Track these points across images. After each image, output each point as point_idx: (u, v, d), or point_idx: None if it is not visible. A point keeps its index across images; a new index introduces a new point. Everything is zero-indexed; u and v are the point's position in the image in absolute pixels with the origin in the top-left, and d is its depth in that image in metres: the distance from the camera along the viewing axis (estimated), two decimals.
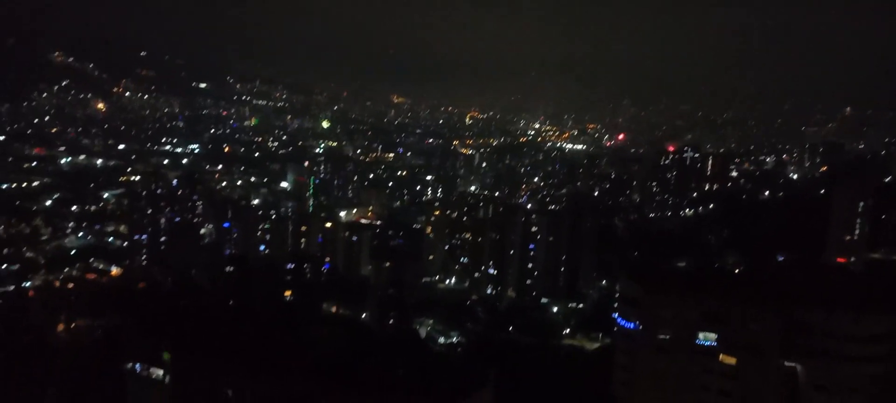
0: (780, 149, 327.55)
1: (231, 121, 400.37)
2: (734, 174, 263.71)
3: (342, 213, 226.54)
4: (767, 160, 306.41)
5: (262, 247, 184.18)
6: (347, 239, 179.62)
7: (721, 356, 66.06)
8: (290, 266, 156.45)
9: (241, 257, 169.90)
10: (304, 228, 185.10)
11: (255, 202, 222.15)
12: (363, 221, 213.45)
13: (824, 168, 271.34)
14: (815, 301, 64.49)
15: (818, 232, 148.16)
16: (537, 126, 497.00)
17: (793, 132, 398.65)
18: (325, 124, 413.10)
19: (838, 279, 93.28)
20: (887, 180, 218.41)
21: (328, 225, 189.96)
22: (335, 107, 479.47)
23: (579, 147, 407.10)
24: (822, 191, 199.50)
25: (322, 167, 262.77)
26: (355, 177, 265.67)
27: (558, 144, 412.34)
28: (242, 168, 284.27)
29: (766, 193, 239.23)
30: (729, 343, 65.60)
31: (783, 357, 63.94)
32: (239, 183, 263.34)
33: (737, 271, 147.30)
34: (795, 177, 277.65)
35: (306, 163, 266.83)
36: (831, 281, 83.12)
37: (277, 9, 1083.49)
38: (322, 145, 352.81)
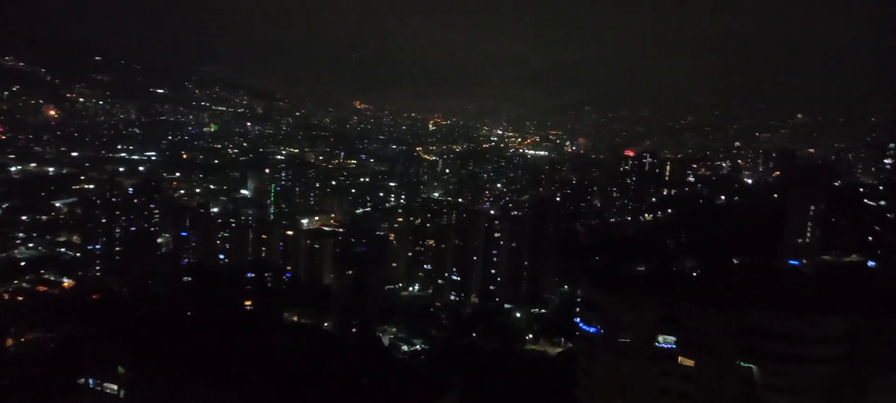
0: (735, 154, 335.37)
1: (190, 127, 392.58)
2: (691, 179, 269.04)
3: (304, 221, 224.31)
4: (723, 165, 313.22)
5: (221, 256, 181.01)
6: (309, 246, 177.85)
7: (680, 358, 66.92)
8: (251, 275, 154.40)
9: (199, 266, 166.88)
10: (264, 236, 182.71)
11: (215, 210, 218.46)
12: (325, 229, 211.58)
13: (777, 173, 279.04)
14: (770, 303, 65.91)
15: (772, 235, 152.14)
16: (500, 132, 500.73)
17: (747, 138, 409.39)
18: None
19: (792, 281, 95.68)
20: (837, 184, 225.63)
21: (289, 232, 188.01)
22: (297, 113, 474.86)
23: (542, 153, 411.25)
24: (776, 196, 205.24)
25: (283, 174, 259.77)
26: (317, 184, 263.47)
27: (521, 150, 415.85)
28: (201, 175, 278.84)
29: (723, 198, 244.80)
30: (687, 346, 66.55)
31: (740, 358, 65.17)
32: (198, 190, 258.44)
33: (694, 274, 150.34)
34: (750, 181, 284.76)
35: (267, 170, 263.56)
36: (785, 284, 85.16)
37: (238, 13, 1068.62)
38: (283, 151, 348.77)
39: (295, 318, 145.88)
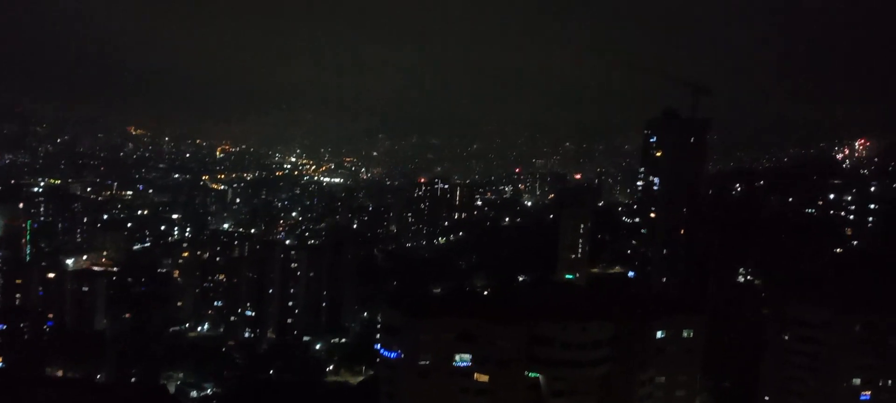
0: (516, 179, 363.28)
1: None
2: (479, 203, 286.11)
3: (69, 261, 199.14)
4: (506, 189, 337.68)
5: None
6: (76, 289, 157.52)
7: (476, 374, 70.19)
8: (1, 326, 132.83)
9: None
10: (18, 281, 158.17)
11: None
12: (96, 268, 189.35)
13: (552, 195, 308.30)
14: (550, 315, 71.90)
15: (551, 252, 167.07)
16: (294, 159, 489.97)
17: (526, 164, 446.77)
18: None
19: (568, 293, 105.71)
20: (600, 205, 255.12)
21: (51, 275, 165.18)
22: (59, 139, 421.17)
23: (337, 180, 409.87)
24: (552, 216, 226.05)
25: (42, 208, 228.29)
26: (85, 219, 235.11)
27: (316, 177, 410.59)
28: None
29: (507, 220, 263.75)
30: (482, 361, 70.02)
31: (528, 368, 70.12)
32: None
33: (486, 292, 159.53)
34: (530, 204, 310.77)
35: (21, 204, 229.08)
36: (562, 296, 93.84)
37: None
38: (42, 182, 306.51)
39: (59, 373, 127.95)
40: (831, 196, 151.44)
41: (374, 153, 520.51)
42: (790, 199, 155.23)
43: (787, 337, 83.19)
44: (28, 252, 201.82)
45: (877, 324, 79.87)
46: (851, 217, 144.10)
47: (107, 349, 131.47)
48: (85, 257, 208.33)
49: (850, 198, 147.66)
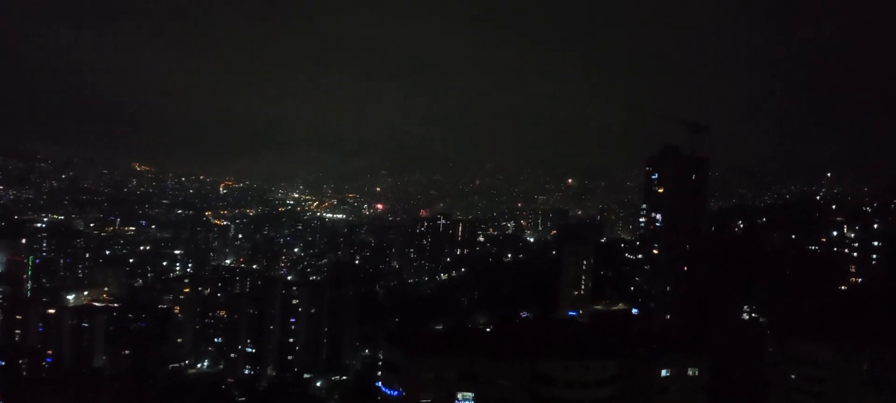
0: (518, 215, 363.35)
1: None
2: (481, 239, 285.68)
3: (70, 297, 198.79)
4: (509, 225, 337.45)
5: None
6: (76, 326, 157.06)
7: None
8: (0, 363, 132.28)
9: None
10: (19, 317, 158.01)
11: None
12: (97, 304, 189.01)
13: (554, 231, 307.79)
14: (552, 352, 71.28)
15: (553, 288, 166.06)
16: (296, 195, 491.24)
17: (528, 200, 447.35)
18: None
19: (571, 331, 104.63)
20: (603, 241, 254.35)
21: (51, 311, 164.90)
22: (63, 175, 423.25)
23: (340, 216, 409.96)
24: (554, 252, 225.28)
25: (45, 244, 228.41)
26: (87, 255, 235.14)
27: (318, 213, 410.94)
28: None
29: (509, 255, 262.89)
30: (484, 400, 69.28)
31: None
32: None
33: (488, 329, 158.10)
34: (532, 239, 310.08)
35: (24, 240, 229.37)
36: (565, 333, 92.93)
37: None
38: (45, 218, 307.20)
39: None
40: (834, 232, 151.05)
41: (377, 189, 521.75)
42: (792, 236, 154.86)
43: (792, 376, 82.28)
44: (29, 288, 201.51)
45: (883, 362, 79.07)
46: (855, 254, 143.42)
47: (105, 386, 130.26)
48: (86, 293, 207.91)
49: (852, 235, 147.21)
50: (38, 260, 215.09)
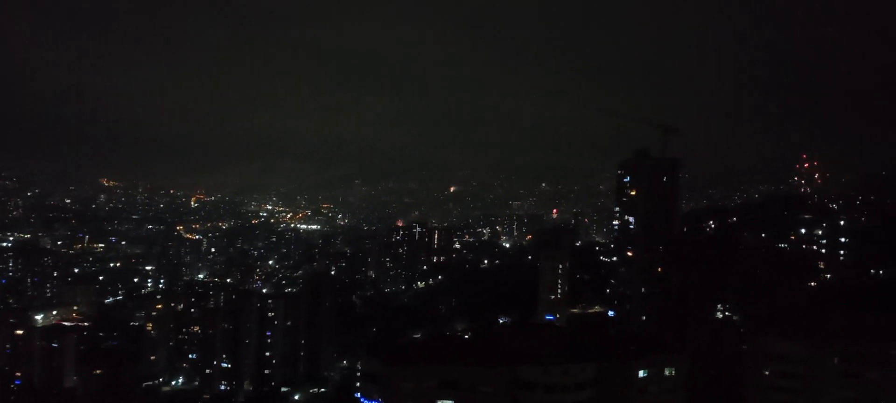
0: (493, 221, 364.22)
1: None
2: (457, 246, 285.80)
3: (38, 317, 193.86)
4: (484, 231, 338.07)
5: None
6: (46, 346, 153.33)
7: None
8: None
9: None
10: None
11: None
12: (66, 323, 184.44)
13: (529, 236, 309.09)
14: (531, 357, 71.36)
15: (530, 293, 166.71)
16: (270, 207, 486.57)
17: (502, 206, 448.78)
18: None
19: (549, 335, 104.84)
20: (578, 244, 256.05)
21: (19, 332, 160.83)
22: (29, 193, 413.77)
23: (314, 227, 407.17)
24: (530, 257, 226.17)
25: (11, 263, 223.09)
26: (55, 273, 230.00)
27: (293, 225, 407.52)
28: None
29: (486, 262, 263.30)
30: None
31: None
32: None
33: (466, 336, 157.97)
34: (508, 245, 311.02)
35: None
36: (544, 338, 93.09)
37: None
38: (11, 237, 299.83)
39: None
40: (803, 230, 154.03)
41: (351, 199, 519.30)
42: (762, 235, 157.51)
43: (767, 373, 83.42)
44: None
45: (855, 356, 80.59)
46: (823, 251, 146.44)
47: None
48: (55, 312, 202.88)
49: (821, 232, 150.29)
50: (3, 281, 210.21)
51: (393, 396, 68.97)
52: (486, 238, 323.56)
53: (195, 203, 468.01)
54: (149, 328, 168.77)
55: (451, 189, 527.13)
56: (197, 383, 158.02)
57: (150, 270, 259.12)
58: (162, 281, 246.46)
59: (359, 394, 73.29)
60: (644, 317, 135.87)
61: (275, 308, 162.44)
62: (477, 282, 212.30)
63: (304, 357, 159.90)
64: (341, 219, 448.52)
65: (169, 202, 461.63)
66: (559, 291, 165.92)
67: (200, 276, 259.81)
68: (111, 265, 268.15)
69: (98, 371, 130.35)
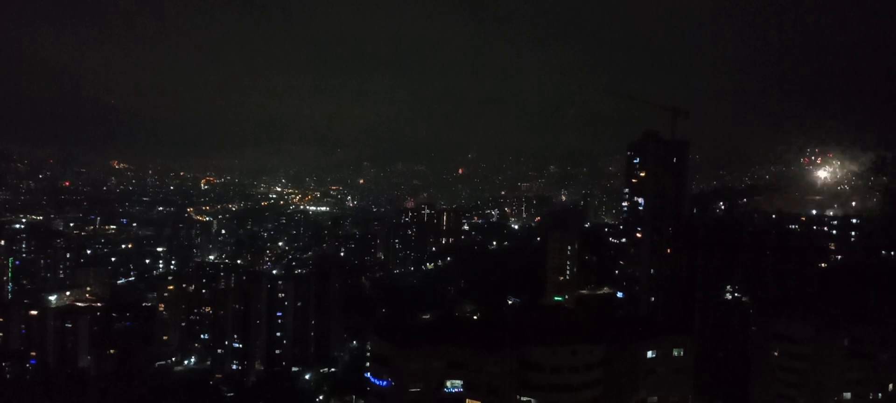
0: (502, 202, 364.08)
1: None
2: (466, 227, 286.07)
3: (52, 298, 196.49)
4: (493, 213, 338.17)
5: None
6: (59, 327, 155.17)
7: (467, 400, 69.79)
8: None
9: None
10: (0, 320, 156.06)
11: None
12: (80, 305, 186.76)
13: (538, 218, 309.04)
14: (539, 339, 71.82)
15: (539, 275, 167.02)
16: (279, 189, 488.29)
17: (511, 187, 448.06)
18: None
19: (557, 316, 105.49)
20: (587, 226, 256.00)
21: (33, 313, 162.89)
22: (40, 175, 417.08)
23: (323, 208, 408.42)
24: (538, 239, 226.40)
25: (24, 245, 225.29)
26: (68, 255, 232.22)
27: (302, 207, 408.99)
28: None
29: (494, 243, 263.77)
30: (472, 388, 69.70)
31: (518, 393, 69.78)
32: None
33: (475, 318, 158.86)
34: (516, 227, 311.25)
35: (2, 242, 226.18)
36: (552, 319, 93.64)
37: None
38: (24, 219, 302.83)
39: None
40: (814, 212, 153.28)
41: (360, 181, 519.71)
42: (773, 216, 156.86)
43: (775, 354, 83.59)
44: (10, 290, 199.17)
45: (863, 338, 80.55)
46: (834, 232, 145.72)
47: (91, 387, 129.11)
48: (68, 294, 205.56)
49: (831, 214, 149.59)
50: (17, 263, 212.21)
51: (402, 376, 69.69)
52: (494, 220, 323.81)
53: (205, 185, 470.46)
54: (161, 309, 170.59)
55: (460, 171, 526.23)
56: (209, 363, 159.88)
57: (162, 252, 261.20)
58: (173, 262, 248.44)
59: (369, 375, 73.95)
60: (653, 299, 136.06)
61: (285, 289, 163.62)
62: (485, 264, 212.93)
63: (314, 338, 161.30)
64: (350, 201, 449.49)
65: (179, 184, 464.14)
66: (568, 272, 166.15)
67: (211, 258, 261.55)
68: (123, 247, 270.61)
69: (111, 352, 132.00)
